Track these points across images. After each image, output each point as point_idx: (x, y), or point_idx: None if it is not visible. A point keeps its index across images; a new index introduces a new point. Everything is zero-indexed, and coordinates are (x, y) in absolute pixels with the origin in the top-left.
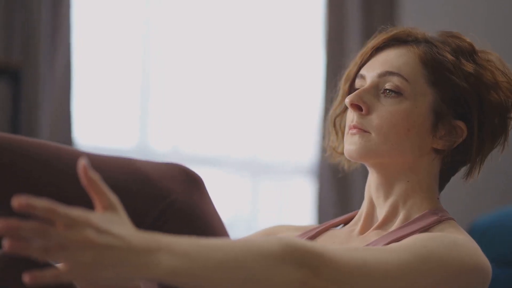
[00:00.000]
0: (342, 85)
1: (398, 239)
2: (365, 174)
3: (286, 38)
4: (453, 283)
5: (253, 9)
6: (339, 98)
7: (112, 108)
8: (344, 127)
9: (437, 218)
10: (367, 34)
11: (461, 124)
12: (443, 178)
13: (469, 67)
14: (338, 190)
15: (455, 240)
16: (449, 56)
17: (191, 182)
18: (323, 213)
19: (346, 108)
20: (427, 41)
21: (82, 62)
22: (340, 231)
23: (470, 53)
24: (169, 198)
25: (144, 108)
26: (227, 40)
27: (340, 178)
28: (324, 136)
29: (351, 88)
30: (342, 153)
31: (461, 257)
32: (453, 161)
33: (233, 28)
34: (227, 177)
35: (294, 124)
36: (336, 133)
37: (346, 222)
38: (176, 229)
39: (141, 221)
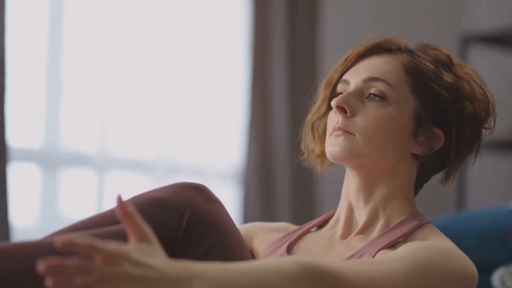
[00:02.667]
0: (323, 90)
1: (386, 246)
2: (291, 181)
3: (211, 42)
4: None
5: (177, 13)
6: (318, 102)
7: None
8: (322, 130)
9: (417, 223)
10: (291, 39)
11: (439, 131)
12: (417, 185)
13: (448, 77)
14: (263, 196)
15: (446, 249)
16: (430, 66)
17: (198, 192)
18: (248, 219)
19: (325, 113)
20: (409, 51)
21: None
22: (321, 235)
23: (448, 64)
24: (188, 211)
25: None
26: (151, 43)
27: (265, 184)
28: (301, 139)
29: (333, 93)
30: (320, 156)
31: (455, 265)
32: (429, 167)
33: (156, 31)
34: (151, 181)
35: (219, 129)
36: (314, 137)
37: (321, 224)
38: (202, 236)
39: (175, 237)
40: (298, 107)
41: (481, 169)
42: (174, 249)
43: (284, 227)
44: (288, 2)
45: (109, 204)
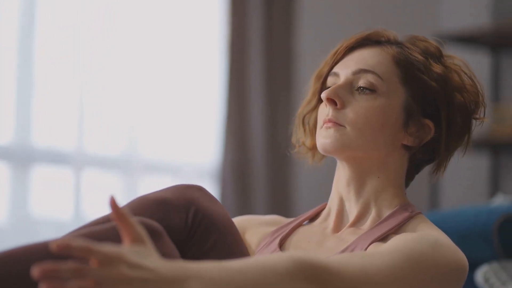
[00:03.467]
0: (313, 84)
1: (377, 239)
2: (267, 179)
3: (188, 42)
4: (442, 281)
5: (155, 13)
6: (308, 96)
7: None
8: (313, 124)
9: (408, 214)
10: (268, 38)
11: (429, 122)
12: (408, 176)
13: (438, 68)
14: (239, 194)
15: (437, 240)
16: (420, 57)
17: (199, 191)
18: None
19: (316, 106)
20: (398, 43)
21: None
22: (312, 228)
23: (437, 56)
24: (192, 209)
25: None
26: (129, 40)
27: (242, 182)
28: (293, 132)
29: (323, 86)
30: (311, 148)
31: (445, 255)
32: (419, 158)
33: (133, 29)
34: (129, 179)
35: (195, 127)
36: (304, 130)
37: (313, 217)
38: (207, 233)
39: (182, 234)
40: (275, 106)
41: (454, 169)
42: (181, 246)
43: (275, 220)
44: (264, 3)
45: (86, 202)
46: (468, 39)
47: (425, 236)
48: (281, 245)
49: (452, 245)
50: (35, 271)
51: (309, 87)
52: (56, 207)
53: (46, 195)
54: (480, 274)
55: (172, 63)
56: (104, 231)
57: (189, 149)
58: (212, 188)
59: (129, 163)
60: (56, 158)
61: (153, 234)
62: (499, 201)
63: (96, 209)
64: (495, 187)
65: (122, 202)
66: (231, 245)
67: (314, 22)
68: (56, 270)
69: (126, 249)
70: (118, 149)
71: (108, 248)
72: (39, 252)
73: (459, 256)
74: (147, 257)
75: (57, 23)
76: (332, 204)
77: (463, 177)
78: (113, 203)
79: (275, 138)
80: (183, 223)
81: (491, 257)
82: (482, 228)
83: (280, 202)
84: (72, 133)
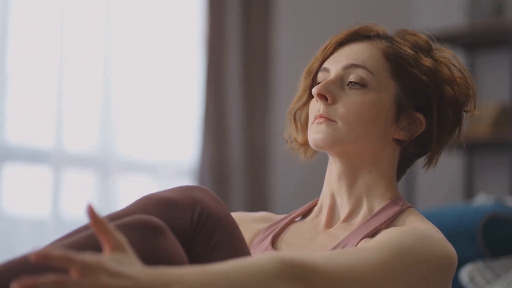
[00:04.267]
0: (303, 79)
1: (368, 234)
2: (245, 177)
3: (166, 41)
4: (431, 275)
5: (133, 11)
6: (299, 91)
7: None
8: (304, 120)
9: (399, 208)
10: (245, 37)
11: (420, 116)
12: (400, 170)
13: (428, 62)
14: (217, 192)
15: (425, 233)
16: (410, 51)
17: (204, 192)
18: None
19: (306, 102)
20: (387, 37)
21: None
22: (305, 225)
23: (427, 49)
24: (197, 208)
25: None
26: (106, 38)
27: (220, 180)
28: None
29: (314, 82)
30: (303, 144)
31: (434, 249)
32: (411, 152)
33: (111, 27)
34: (106, 178)
35: (173, 126)
36: (296, 126)
37: (305, 213)
38: (212, 231)
39: (187, 232)
40: (252, 105)
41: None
42: (186, 245)
43: (266, 216)
44: (242, 2)
45: (63, 200)
46: (443, 39)
47: (413, 229)
48: (274, 242)
49: (441, 238)
50: (14, 286)
51: (299, 83)
52: (32, 205)
53: (22, 193)
54: (465, 273)
55: (151, 61)
56: (84, 240)
57: (167, 147)
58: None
59: (107, 162)
60: (32, 156)
61: (154, 230)
62: (481, 200)
63: (73, 208)
64: (470, 187)
65: (99, 201)
66: (235, 245)
67: (291, 22)
68: (35, 284)
69: (106, 258)
70: (96, 147)
71: (87, 257)
72: (19, 267)
73: (448, 248)
74: (128, 265)
75: (33, 19)
76: (324, 199)
77: (438, 177)
78: (91, 212)
79: (253, 136)
80: (188, 222)
81: (476, 256)
82: (467, 227)
83: (258, 200)
84: (49, 131)
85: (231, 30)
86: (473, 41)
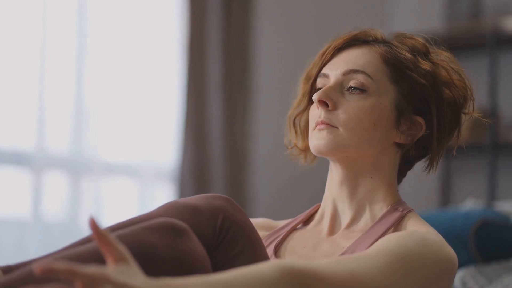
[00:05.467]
0: (302, 85)
1: (374, 242)
2: (225, 179)
3: (147, 43)
4: (433, 277)
5: (114, 12)
6: (298, 97)
7: None
8: (304, 125)
9: (400, 214)
10: (226, 40)
11: (420, 119)
12: (401, 173)
13: (426, 65)
14: (197, 194)
15: (424, 236)
16: (408, 55)
17: (226, 201)
18: None
19: (306, 107)
20: (385, 41)
21: None
22: (307, 232)
23: (424, 52)
24: (220, 217)
25: None
26: (87, 39)
27: (200, 182)
28: (285, 134)
29: (313, 87)
30: (303, 150)
31: (433, 251)
32: (412, 155)
33: (91, 28)
34: (89, 181)
35: (154, 128)
36: (296, 132)
37: (306, 219)
38: (233, 240)
39: (210, 240)
40: (233, 107)
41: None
42: (208, 252)
43: (266, 223)
44: (223, 6)
45: (44, 203)
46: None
47: (412, 233)
48: (276, 251)
49: (440, 240)
50: None
51: (298, 88)
52: (13, 206)
53: (3, 195)
54: (457, 278)
55: (131, 63)
56: (87, 252)
57: (148, 150)
58: (171, 188)
59: (88, 165)
60: (12, 158)
61: (178, 232)
62: (470, 205)
63: (54, 209)
64: (447, 191)
65: (80, 203)
66: (257, 254)
67: (271, 25)
68: None
69: (110, 269)
70: (78, 150)
71: (92, 269)
72: (24, 279)
73: (448, 251)
74: (132, 276)
75: (15, 21)
76: (326, 206)
77: (416, 181)
78: (93, 224)
79: (233, 139)
80: (211, 229)
81: (468, 261)
82: (459, 232)
83: (238, 202)
84: (30, 133)
85: (211, 33)
86: (451, 45)
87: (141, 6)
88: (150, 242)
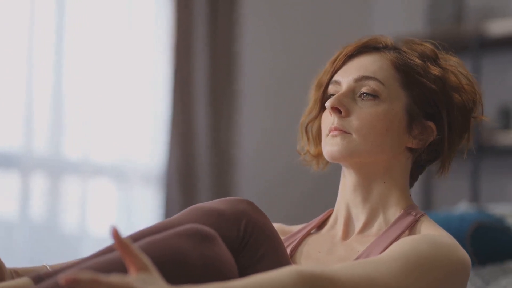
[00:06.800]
0: (314, 92)
1: (388, 246)
2: (211, 181)
3: (133, 43)
4: (447, 280)
5: (100, 14)
6: (310, 104)
7: None
8: (316, 132)
9: (413, 218)
10: (212, 41)
11: (431, 124)
12: (412, 177)
13: (436, 70)
14: (184, 197)
15: (437, 239)
16: (418, 61)
17: (249, 205)
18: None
19: (318, 114)
20: (396, 48)
21: None
22: (321, 237)
23: (434, 58)
24: (243, 221)
25: None
26: (74, 40)
27: (187, 185)
28: (298, 141)
29: (324, 94)
30: (315, 156)
31: (447, 254)
32: (424, 159)
33: (78, 29)
34: (75, 182)
35: (140, 130)
36: (308, 138)
37: (319, 224)
38: (257, 244)
39: (234, 243)
40: (218, 109)
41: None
42: (234, 255)
43: (279, 228)
44: (209, 9)
45: (34, 207)
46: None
47: (426, 237)
48: (292, 255)
49: (453, 243)
50: None
51: (309, 95)
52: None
53: None
54: None
55: (118, 66)
56: (110, 262)
57: (134, 152)
58: (157, 191)
59: (75, 166)
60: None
61: (206, 238)
62: (464, 208)
63: (43, 212)
64: (428, 195)
65: (63, 203)
66: (279, 257)
67: (256, 29)
68: None
69: (132, 278)
70: (63, 151)
71: (115, 278)
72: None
73: (461, 253)
74: (153, 284)
75: (3, 19)
76: (339, 211)
77: None
78: (115, 234)
79: (219, 141)
80: (235, 233)
81: None
82: (454, 235)
83: None
84: (18, 135)
85: (197, 35)
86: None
87: (128, 8)
88: (181, 248)
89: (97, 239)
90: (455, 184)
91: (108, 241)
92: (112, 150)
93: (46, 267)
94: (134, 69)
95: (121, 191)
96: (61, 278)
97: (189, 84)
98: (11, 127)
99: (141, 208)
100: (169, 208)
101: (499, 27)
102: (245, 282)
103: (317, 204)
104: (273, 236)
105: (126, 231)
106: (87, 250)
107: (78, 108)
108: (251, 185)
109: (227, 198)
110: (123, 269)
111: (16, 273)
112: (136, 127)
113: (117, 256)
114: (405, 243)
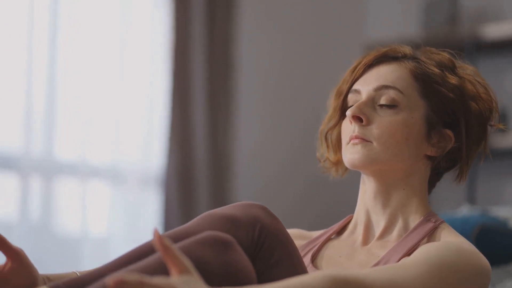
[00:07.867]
0: (333, 101)
1: (407, 252)
2: (210, 185)
3: (132, 46)
4: (467, 284)
5: (98, 15)
6: (329, 112)
7: None
8: (336, 139)
9: (433, 225)
10: (210, 44)
11: (449, 132)
12: (430, 184)
13: (453, 79)
14: (183, 200)
15: (459, 246)
16: (436, 70)
17: (263, 210)
18: (169, 223)
19: (337, 122)
20: (414, 57)
21: None
22: (342, 242)
23: (451, 67)
24: (257, 226)
25: None
26: (72, 42)
27: (185, 188)
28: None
29: (344, 103)
30: (335, 163)
31: (468, 261)
32: (442, 167)
33: (75, 31)
34: (73, 184)
35: (139, 133)
36: (328, 146)
37: (339, 230)
38: (271, 249)
39: (249, 249)
40: (217, 112)
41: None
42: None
43: (299, 234)
44: (206, 12)
45: (34, 209)
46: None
47: (448, 244)
48: (313, 260)
49: (475, 251)
50: None
51: (329, 103)
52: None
53: None
54: None
55: (115, 68)
56: (153, 264)
57: (133, 155)
58: (156, 193)
59: (74, 168)
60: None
61: (225, 245)
62: (465, 211)
63: (42, 213)
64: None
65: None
66: (294, 262)
67: (253, 32)
68: None
69: (176, 280)
70: (62, 153)
71: (159, 280)
72: None
73: (481, 259)
74: (195, 285)
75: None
76: (359, 217)
77: None
78: (158, 237)
79: (217, 143)
80: (249, 238)
81: None
82: None
83: (221, 206)
84: (16, 136)
85: (196, 38)
86: None
87: (125, 10)
88: (201, 256)
89: (96, 240)
90: (453, 187)
91: (108, 242)
92: (110, 152)
93: (76, 274)
94: (132, 71)
95: (120, 193)
96: (109, 280)
97: (187, 86)
98: (9, 129)
99: (140, 211)
100: (168, 210)
101: (494, 30)
102: (278, 285)
103: (314, 206)
104: (287, 240)
105: (125, 234)
106: (86, 251)
107: (76, 111)
108: (249, 188)
109: (240, 203)
110: (165, 271)
111: (48, 279)
112: (134, 129)
113: (159, 258)
114: (429, 250)
